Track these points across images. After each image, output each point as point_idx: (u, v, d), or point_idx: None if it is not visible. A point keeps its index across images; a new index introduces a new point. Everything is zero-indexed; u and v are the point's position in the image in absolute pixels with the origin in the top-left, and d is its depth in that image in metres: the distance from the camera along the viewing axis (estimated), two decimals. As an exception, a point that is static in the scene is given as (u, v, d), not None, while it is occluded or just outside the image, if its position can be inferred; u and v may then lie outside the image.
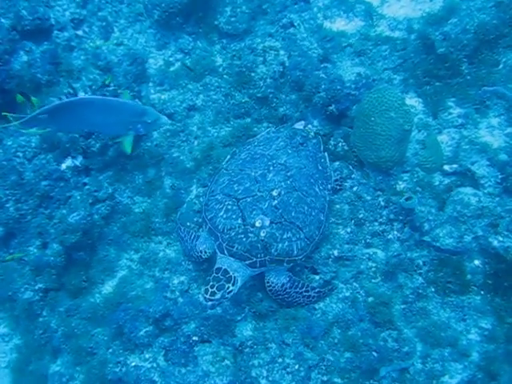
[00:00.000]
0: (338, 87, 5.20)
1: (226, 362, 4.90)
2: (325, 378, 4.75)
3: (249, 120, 5.65)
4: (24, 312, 5.54)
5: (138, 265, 5.45)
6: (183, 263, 5.27)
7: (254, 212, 4.63)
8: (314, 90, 5.29)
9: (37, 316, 5.52)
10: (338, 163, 5.35)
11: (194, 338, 4.93)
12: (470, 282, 4.96)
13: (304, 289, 4.82)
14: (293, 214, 4.67)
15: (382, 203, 5.15)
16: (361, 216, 5.15)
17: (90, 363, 5.21)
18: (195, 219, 5.35)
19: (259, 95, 5.57)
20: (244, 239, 4.59)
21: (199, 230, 5.28)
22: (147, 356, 5.09)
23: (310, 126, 5.44)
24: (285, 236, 4.62)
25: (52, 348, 5.45)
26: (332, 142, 5.42)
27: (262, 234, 4.56)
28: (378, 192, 5.24)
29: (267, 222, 4.59)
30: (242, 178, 4.87)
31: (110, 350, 5.19)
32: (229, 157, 5.27)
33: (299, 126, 5.42)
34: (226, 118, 5.69)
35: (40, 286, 5.46)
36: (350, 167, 5.35)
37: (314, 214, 4.79)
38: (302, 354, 4.76)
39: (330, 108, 5.28)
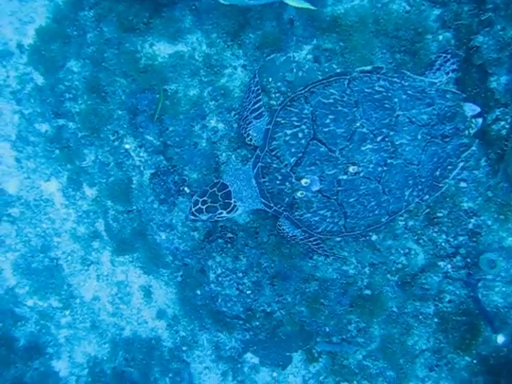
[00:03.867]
0: None
1: (195, 234, 4.50)
2: (268, 310, 4.46)
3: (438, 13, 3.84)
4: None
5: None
6: (232, 113, 4.26)
7: (313, 167, 3.51)
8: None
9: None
10: (474, 148, 3.86)
11: (186, 189, 4.37)
12: (474, 348, 4.24)
13: (316, 247, 3.98)
14: (351, 200, 3.55)
15: (471, 226, 3.99)
16: (439, 215, 4.05)
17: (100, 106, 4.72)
18: (280, 83, 4.02)
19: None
20: (277, 182, 3.60)
21: (269, 107, 4.08)
22: (141, 154, 4.60)
23: (480, 119, 3.65)
24: (321, 212, 3.61)
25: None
26: (496, 114, 3.82)
27: (299, 195, 3.56)
28: (488, 192, 3.96)
29: (315, 188, 3.53)
30: (344, 115, 3.49)
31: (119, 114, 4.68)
32: (369, 68, 3.60)
33: (469, 109, 3.62)
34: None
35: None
36: (483, 160, 3.97)
37: (377, 212, 3.63)
38: (261, 288, 4.36)
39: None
